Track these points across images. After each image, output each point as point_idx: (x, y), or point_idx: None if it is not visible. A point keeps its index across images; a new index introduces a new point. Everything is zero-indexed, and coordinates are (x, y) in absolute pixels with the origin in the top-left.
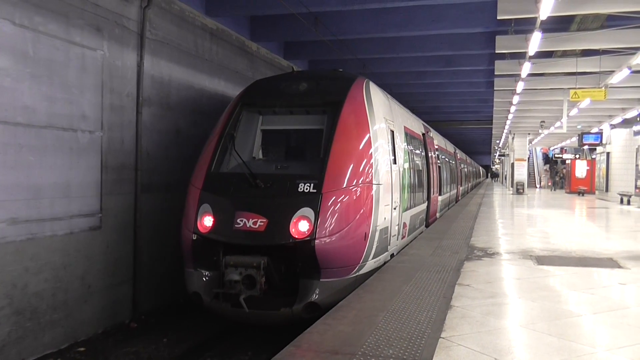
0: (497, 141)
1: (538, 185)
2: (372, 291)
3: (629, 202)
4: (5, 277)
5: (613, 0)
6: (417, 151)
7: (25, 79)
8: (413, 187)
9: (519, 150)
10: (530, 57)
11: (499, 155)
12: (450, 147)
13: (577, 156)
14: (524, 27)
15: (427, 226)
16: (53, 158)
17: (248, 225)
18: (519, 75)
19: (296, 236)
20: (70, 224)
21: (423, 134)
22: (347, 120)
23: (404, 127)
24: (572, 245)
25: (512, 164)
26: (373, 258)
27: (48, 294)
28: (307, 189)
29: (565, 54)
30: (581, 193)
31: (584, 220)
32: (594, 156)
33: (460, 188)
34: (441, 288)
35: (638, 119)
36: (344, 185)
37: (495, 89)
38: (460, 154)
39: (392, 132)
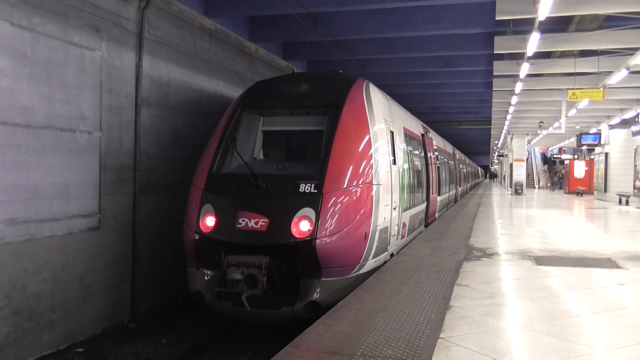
0: (496, 142)
1: (537, 186)
2: (371, 292)
3: (627, 203)
4: (4, 277)
5: (611, 0)
6: (417, 152)
7: (23, 80)
8: (412, 188)
9: (517, 151)
10: (529, 58)
11: (498, 156)
12: (449, 148)
13: (576, 157)
14: (522, 27)
15: (426, 226)
16: (51, 158)
17: (250, 225)
18: (517, 75)
19: (297, 236)
20: (69, 224)
21: (422, 135)
22: (348, 121)
23: (404, 128)
24: (571, 246)
25: (511, 165)
26: (373, 257)
27: (47, 295)
28: (308, 189)
29: (563, 54)
30: (580, 193)
31: (582, 221)
32: (592, 157)
33: (459, 188)
34: (440, 288)
35: (636, 119)
36: (345, 186)
37: (493, 89)
38: (459, 155)
39: (392, 133)
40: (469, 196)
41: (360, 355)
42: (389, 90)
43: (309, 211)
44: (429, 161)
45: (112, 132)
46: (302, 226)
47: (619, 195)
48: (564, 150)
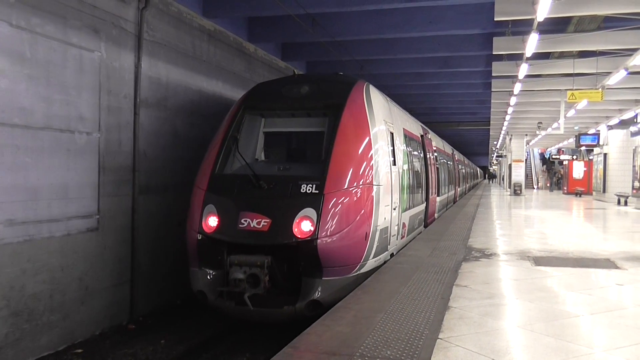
0: (495, 142)
1: (536, 187)
2: (370, 292)
3: (626, 203)
4: (2, 278)
5: (610, 1)
6: (416, 153)
7: (22, 81)
8: (412, 188)
9: (516, 152)
10: (528, 59)
11: (497, 157)
12: (448, 149)
13: (575, 157)
14: (521, 28)
15: (425, 226)
16: (50, 159)
17: (252, 225)
18: (516, 76)
19: (299, 236)
20: (67, 225)
21: (421, 136)
22: (348, 122)
23: (403, 129)
24: (570, 246)
25: (510, 165)
26: (373, 257)
27: (45, 296)
28: (309, 190)
29: (562, 55)
30: (578, 194)
31: (581, 221)
32: (591, 157)
33: (458, 189)
34: (439, 289)
35: (635, 120)
36: (346, 187)
37: (492, 90)
38: (458, 155)
39: (392, 134)
40: (468, 197)
41: (359, 356)
42: (388, 91)
43: (310, 211)
44: (428, 162)
45: (111, 133)
46: (304, 226)
47: (617, 195)
48: (563, 150)
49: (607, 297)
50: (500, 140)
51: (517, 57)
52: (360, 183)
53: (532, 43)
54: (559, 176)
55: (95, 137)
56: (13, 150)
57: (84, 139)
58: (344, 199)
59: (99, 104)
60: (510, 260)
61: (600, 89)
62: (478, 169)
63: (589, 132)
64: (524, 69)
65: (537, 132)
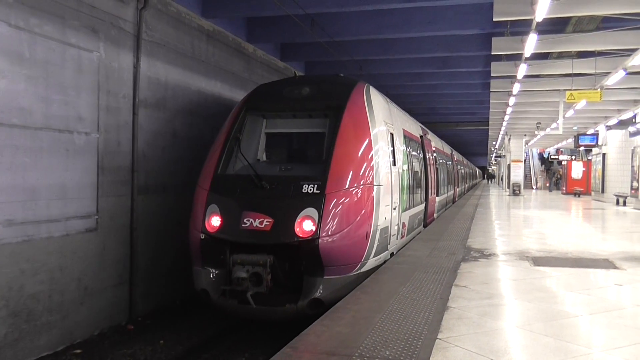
0: (494, 142)
1: (534, 187)
2: (369, 292)
3: (624, 203)
4: (1, 279)
5: (608, 1)
6: (416, 153)
7: (21, 81)
8: (412, 188)
9: (515, 152)
10: (526, 59)
11: (496, 157)
12: (447, 149)
13: (573, 157)
14: (520, 28)
15: (425, 226)
16: (49, 159)
17: (254, 225)
18: (515, 76)
19: (301, 235)
20: (66, 225)
21: (421, 136)
22: (349, 123)
23: (403, 129)
24: (569, 246)
25: (509, 165)
26: (374, 256)
27: (44, 296)
28: (311, 190)
29: (561, 55)
30: (577, 194)
31: (580, 222)
32: (590, 157)
33: (457, 189)
34: (438, 289)
35: (633, 120)
36: (347, 187)
37: (491, 90)
38: (457, 156)
39: (392, 134)
40: (467, 197)
41: (358, 356)
42: (387, 91)
43: (312, 211)
44: (428, 162)
45: (109, 133)
46: (306, 226)
47: (616, 195)
48: (562, 151)
49: (606, 297)
50: (499, 141)
51: (516, 58)
52: (361, 183)
53: (531, 43)
54: (558, 176)
55: (94, 137)
56: (12, 150)
57: (83, 139)
58: (345, 199)
59: (98, 104)
60: (509, 260)
61: (599, 89)
62: (477, 169)
63: (587, 133)
64: (522, 69)
65: (536, 132)
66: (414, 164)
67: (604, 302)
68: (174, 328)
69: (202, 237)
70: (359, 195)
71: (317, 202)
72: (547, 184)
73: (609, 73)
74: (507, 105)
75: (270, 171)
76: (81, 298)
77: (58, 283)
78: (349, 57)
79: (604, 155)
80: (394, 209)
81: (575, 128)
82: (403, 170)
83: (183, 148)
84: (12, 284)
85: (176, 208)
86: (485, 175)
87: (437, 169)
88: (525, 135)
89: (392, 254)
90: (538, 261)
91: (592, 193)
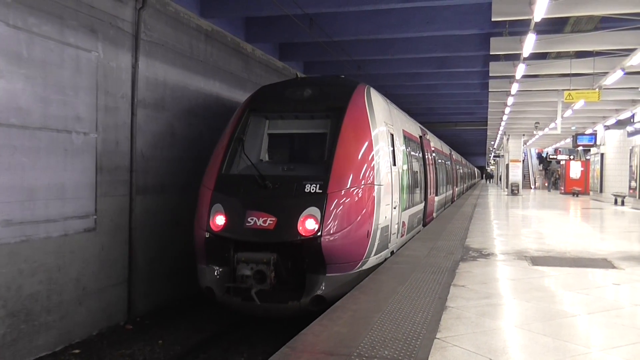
0: (492, 142)
1: (533, 187)
2: (368, 292)
3: (622, 203)
4: None
5: (607, 2)
6: (415, 153)
7: (19, 80)
8: (411, 188)
9: (513, 152)
10: (525, 59)
11: (494, 157)
12: (446, 149)
13: (572, 157)
14: (518, 28)
15: (424, 225)
16: (47, 159)
17: (258, 224)
18: (513, 76)
19: (303, 234)
20: (64, 225)
21: (420, 137)
22: (350, 124)
23: (403, 130)
24: (567, 246)
25: (507, 165)
26: (375, 255)
27: (42, 296)
28: (313, 189)
29: (559, 55)
30: (576, 194)
31: (578, 221)
32: (588, 157)
33: (456, 189)
34: (436, 289)
35: (632, 120)
36: (348, 186)
37: (489, 90)
38: (455, 156)
39: (392, 135)
40: (466, 196)
41: (356, 356)
42: (385, 91)
43: (314, 210)
44: (427, 162)
45: (108, 133)
46: (308, 224)
47: (614, 195)
48: (560, 150)
49: (604, 297)
50: (497, 140)
51: (515, 57)
52: (362, 183)
53: (529, 43)
54: (557, 176)
55: (93, 137)
56: (10, 150)
57: (81, 139)
58: (346, 199)
59: (96, 104)
60: (507, 260)
61: (597, 89)
62: (475, 169)
63: (586, 132)
64: (521, 69)
65: (535, 132)
66: (413, 164)
67: (602, 302)
68: (172, 328)
69: (207, 236)
70: (360, 194)
71: (320, 201)
72: (546, 184)
73: (607, 73)
74: (505, 105)
75: (273, 171)
76: (80, 298)
77: (56, 283)
78: (347, 57)
79: (602, 155)
80: (394, 208)
81: (573, 128)
82: (403, 170)
83: (182, 148)
84: (10, 284)
85: (175, 208)
86: (484, 175)
87: (436, 168)
88: (523, 135)
89: (392, 253)
90: (536, 261)
91: (591, 193)
